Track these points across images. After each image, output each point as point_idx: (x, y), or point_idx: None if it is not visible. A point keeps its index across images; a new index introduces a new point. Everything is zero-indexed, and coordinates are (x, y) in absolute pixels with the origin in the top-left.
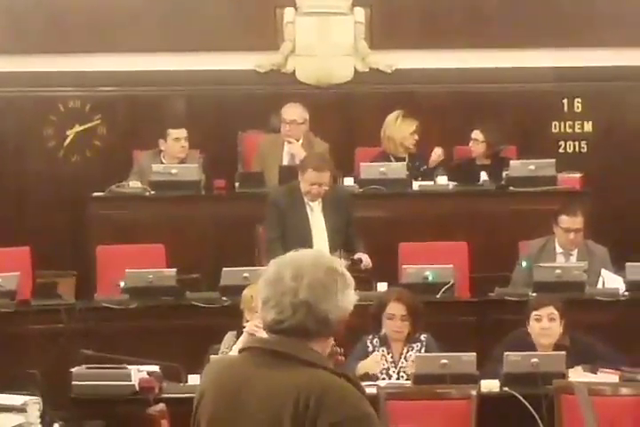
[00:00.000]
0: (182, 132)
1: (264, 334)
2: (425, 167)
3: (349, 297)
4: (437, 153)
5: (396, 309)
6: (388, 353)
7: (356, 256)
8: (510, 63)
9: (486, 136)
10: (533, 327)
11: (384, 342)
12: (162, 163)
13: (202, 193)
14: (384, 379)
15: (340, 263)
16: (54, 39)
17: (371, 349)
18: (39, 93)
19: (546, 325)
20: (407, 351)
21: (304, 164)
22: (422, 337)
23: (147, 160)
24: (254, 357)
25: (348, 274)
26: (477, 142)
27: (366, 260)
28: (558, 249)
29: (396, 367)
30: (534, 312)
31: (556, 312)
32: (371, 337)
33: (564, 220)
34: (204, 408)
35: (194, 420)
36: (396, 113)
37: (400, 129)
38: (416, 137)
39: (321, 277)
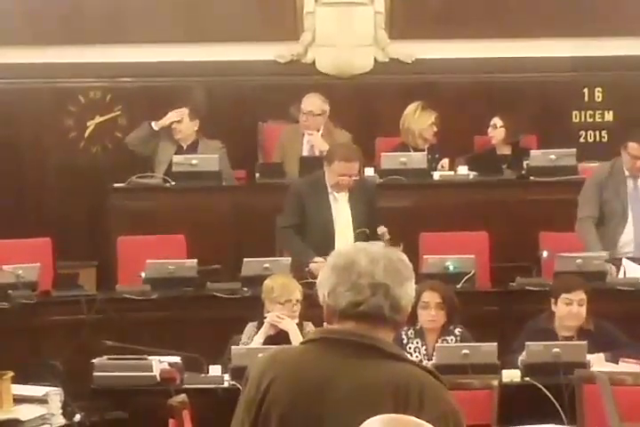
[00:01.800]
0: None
1: (286, 325)
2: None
3: (413, 289)
4: (443, 166)
5: (430, 297)
6: (422, 346)
7: None
8: (531, 53)
9: (505, 122)
10: (561, 310)
11: (419, 334)
12: (180, 147)
13: (222, 184)
14: None
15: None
16: (75, 30)
17: (405, 340)
18: (59, 85)
19: (575, 309)
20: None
21: (331, 155)
22: (457, 331)
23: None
24: (334, 348)
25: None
26: (496, 127)
27: None
28: (626, 172)
29: (429, 360)
30: (565, 295)
31: (585, 297)
32: (406, 328)
33: (633, 147)
34: (275, 398)
35: (257, 409)
36: (414, 105)
37: (419, 121)
38: (435, 128)
39: (395, 263)
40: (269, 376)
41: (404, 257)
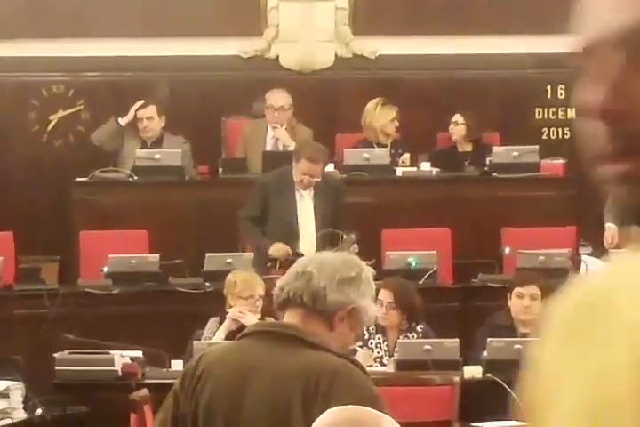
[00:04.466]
0: (143, 112)
1: (248, 320)
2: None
3: (362, 292)
4: (404, 161)
5: (382, 295)
6: (384, 341)
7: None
8: (494, 49)
9: (466, 119)
10: (514, 303)
11: (380, 329)
12: (144, 142)
13: (185, 179)
14: (377, 367)
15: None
16: (38, 24)
17: (367, 336)
18: (22, 78)
19: (526, 303)
20: None
21: (299, 153)
22: (419, 328)
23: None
24: (258, 340)
25: (368, 274)
26: (457, 124)
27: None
28: None
29: (390, 356)
30: (517, 289)
31: (538, 292)
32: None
33: None
34: (202, 392)
35: (189, 401)
36: (375, 101)
37: (380, 116)
38: (396, 123)
39: (336, 262)
40: (199, 371)
41: (360, 263)
